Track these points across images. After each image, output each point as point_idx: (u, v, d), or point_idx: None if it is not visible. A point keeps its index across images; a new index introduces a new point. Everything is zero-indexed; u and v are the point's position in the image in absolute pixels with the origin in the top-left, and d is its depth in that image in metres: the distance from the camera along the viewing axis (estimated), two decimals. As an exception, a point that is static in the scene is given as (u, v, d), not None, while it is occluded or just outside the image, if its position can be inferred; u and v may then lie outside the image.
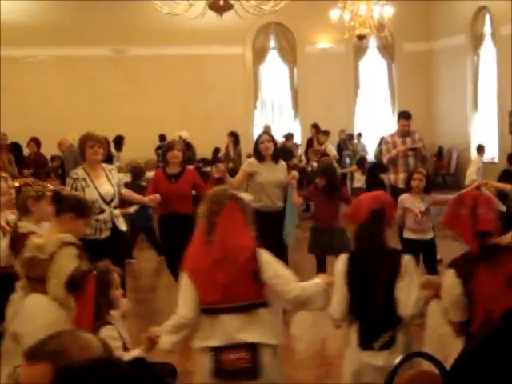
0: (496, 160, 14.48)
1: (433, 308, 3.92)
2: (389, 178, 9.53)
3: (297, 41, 18.40)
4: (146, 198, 7.31)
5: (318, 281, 3.83)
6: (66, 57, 16.88)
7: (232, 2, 9.53)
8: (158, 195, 7.21)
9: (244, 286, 3.63)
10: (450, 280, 3.64)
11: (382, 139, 11.56)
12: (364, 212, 3.91)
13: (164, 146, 13.94)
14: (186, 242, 7.51)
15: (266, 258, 3.73)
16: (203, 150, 15.52)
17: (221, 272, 3.62)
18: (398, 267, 3.78)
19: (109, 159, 12.08)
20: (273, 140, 7.75)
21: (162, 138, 15.11)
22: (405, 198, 7.25)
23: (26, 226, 4.71)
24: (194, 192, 7.69)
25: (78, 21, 16.69)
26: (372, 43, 18.75)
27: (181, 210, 7.44)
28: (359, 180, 14.67)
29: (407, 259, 3.85)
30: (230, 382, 3.60)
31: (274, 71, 18.74)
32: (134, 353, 3.49)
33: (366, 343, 3.80)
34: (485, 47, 17.33)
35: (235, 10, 9.70)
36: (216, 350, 3.60)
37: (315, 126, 16.20)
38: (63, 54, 16.85)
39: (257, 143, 7.77)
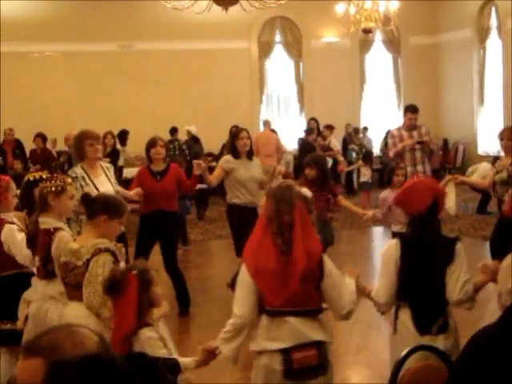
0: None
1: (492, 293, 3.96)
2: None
3: (302, 35, 18.37)
4: (131, 193, 7.23)
5: (350, 281, 3.81)
6: (72, 52, 16.90)
7: (237, -4, 9.54)
8: (140, 189, 7.20)
9: (309, 291, 3.60)
10: (509, 266, 3.69)
11: (388, 133, 11.55)
12: (421, 205, 3.96)
13: (173, 141, 13.87)
14: (170, 241, 7.48)
15: (329, 264, 3.69)
16: (209, 144, 15.51)
17: (294, 275, 3.55)
18: (452, 253, 3.86)
19: (115, 154, 12.14)
20: (250, 137, 7.70)
21: (174, 130, 14.84)
22: (388, 195, 7.01)
23: (47, 221, 4.54)
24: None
25: (85, 16, 16.71)
26: (378, 37, 18.71)
27: (166, 208, 7.39)
28: (365, 174, 14.66)
29: (460, 246, 3.92)
30: (298, 381, 3.58)
31: (280, 65, 18.70)
32: (186, 361, 3.43)
33: (424, 328, 3.83)
34: (491, 41, 17.29)
35: (240, 5, 9.70)
36: (285, 351, 3.57)
37: (315, 120, 16.16)
38: (70, 50, 16.87)
39: (234, 139, 7.66)
